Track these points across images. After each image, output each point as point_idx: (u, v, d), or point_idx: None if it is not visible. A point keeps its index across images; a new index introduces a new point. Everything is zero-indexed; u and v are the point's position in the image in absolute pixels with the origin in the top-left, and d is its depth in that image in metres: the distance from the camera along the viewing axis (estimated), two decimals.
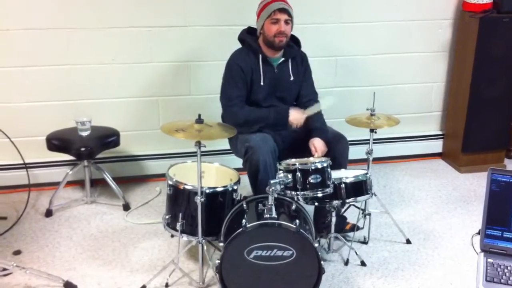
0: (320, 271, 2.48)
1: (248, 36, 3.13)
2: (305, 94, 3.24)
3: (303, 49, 3.25)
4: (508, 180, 2.08)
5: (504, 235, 2.09)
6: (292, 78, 3.15)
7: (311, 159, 2.85)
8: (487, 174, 2.10)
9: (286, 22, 3.00)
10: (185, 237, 2.80)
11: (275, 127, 3.09)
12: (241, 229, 2.44)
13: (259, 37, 3.10)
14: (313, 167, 2.68)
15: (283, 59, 3.13)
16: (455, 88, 4.30)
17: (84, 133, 3.48)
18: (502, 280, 1.98)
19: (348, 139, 3.17)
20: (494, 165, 3.57)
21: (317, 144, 3.01)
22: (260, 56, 3.07)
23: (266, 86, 3.08)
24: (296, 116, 3.07)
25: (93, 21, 3.64)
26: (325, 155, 2.99)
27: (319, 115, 3.14)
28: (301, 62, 3.21)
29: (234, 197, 2.87)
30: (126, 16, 3.68)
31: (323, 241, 3.09)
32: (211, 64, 3.84)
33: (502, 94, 4.10)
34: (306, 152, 3.01)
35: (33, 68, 3.65)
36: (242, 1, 3.76)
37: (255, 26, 3.14)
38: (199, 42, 3.84)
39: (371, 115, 3.03)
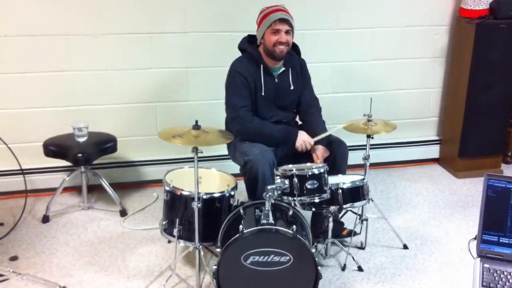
0: (317, 277, 2.48)
1: (249, 45, 3.11)
2: (305, 101, 3.24)
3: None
4: (504, 186, 2.08)
5: (501, 241, 2.10)
6: (292, 88, 3.15)
7: (308, 164, 2.85)
8: (483, 179, 2.11)
9: (286, 32, 2.97)
10: (182, 243, 2.79)
11: (280, 146, 3.09)
12: (238, 235, 2.45)
13: (260, 46, 3.08)
14: (310, 173, 2.67)
15: (283, 68, 3.12)
16: (452, 94, 4.31)
17: (81, 139, 3.48)
18: (498, 286, 1.98)
19: None
20: (491, 171, 3.54)
21: (319, 153, 3.01)
22: (262, 65, 3.06)
23: (266, 96, 3.07)
24: (304, 141, 3.03)
25: (92, 27, 3.65)
26: (326, 159, 3.01)
27: (322, 125, 3.15)
28: (301, 70, 3.21)
29: (231, 202, 2.87)
30: (125, 23, 3.69)
31: (320, 246, 3.09)
32: (209, 70, 3.84)
33: (499, 100, 4.11)
34: (305, 157, 3.02)
35: (31, 74, 3.66)
36: (241, 7, 3.78)
37: (255, 34, 3.13)
38: (198, 48, 3.84)
39: (368, 121, 3.03)
